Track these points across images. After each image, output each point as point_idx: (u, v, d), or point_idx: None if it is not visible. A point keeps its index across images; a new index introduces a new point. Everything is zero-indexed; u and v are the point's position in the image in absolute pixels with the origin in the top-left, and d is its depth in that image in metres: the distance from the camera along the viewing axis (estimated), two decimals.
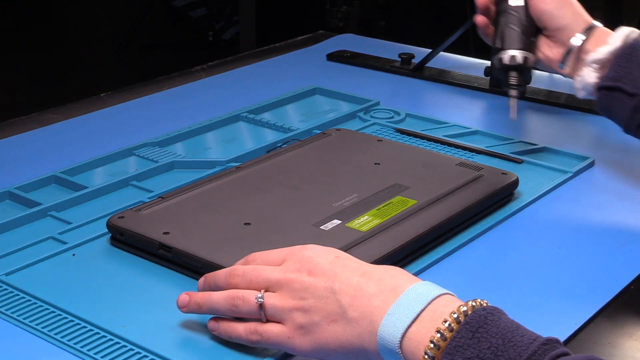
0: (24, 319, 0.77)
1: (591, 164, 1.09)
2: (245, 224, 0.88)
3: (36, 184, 1.01)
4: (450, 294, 0.67)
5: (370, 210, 0.91)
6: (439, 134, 1.16)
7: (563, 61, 1.03)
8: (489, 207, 0.96)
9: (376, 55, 1.46)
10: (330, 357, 0.69)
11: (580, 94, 1.01)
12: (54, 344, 0.74)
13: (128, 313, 0.78)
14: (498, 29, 1.05)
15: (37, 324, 0.77)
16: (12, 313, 0.78)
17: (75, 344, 0.74)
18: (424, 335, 0.64)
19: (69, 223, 0.93)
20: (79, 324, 0.77)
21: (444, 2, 3.13)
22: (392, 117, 1.22)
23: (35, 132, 1.17)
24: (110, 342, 0.74)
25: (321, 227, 0.87)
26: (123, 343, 0.74)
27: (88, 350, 0.73)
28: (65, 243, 0.89)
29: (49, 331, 0.76)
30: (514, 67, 1.04)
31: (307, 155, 1.04)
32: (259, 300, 0.71)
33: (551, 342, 0.62)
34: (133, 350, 0.73)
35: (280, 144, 1.11)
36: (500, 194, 0.97)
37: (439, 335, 0.63)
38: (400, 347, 0.64)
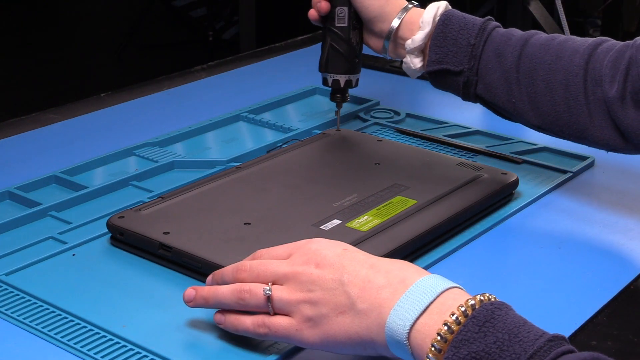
0: (24, 319, 0.77)
1: (591, 164, 1.09)
2: (245, 224, 0.88)
3: (36, 184, 1.01)
4: (459, 287, 0.67)
5: (370, 210, 0.91)
6: (439, 134, 1.16)
7: (384, 51, 1.04)
8: (489, 207, 0.96)
9: (376, 55, 1.46)
10: (339, 349, 0.69)
11: (412, 76, 1.03)
12: (54, 344, 0.74)
13: (128, 313, 0.78)
14: (325, 47, 1.06)
15: (37, 324, 0.77)
16: (12, 313, 0.78)
17: (75, 344, 0.74)
18: (432, 328, 0.64)
19: (69, 223, 0.93)
20: (79, 324, 0.77)
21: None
22: (392, 117, 1.22)
23: (35, 132, 1.17)
24: (110, 342, 0.74)
25: (321, 227, 0.87)
26: (123, 343, 0.74)
27: (88, 350, 0.73)
28: (65, 243, 0.89)
29: (49, 331, 0.76)
30: (338, 89, 1.07)
31: (307, 155, 1.04)
32: (267, 292, 0.71)
33: (557, 338, 0.62)
34: (133, 350, 0.73)
35: (280, 144, 1.11)
36: (500, 194, 0.97)
37: (446, 328, 0.63)
38: (408, 339, 0.65)
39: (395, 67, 1.41)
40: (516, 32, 0.98)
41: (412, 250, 0.87)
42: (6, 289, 0.82)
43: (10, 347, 0.74)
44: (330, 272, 0.69)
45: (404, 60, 1.02)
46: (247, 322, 0.72)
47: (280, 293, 0.70)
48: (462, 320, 0.63)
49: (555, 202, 1.00)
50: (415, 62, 1.01)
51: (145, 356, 0.73)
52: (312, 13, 1.07)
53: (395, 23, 1.01)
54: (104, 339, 0.75)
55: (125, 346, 0.74)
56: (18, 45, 3.80)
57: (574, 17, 2.63)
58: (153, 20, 3.92)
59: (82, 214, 0.95)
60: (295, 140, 1.11)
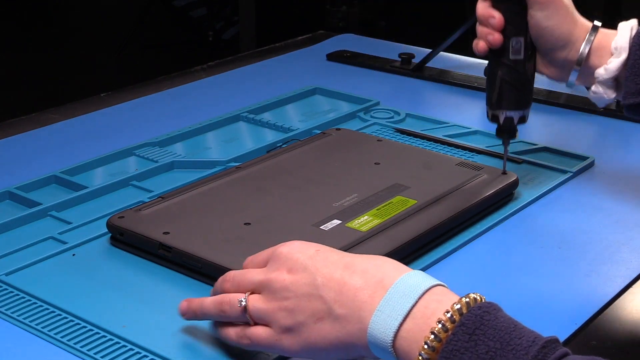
0: (24, 319, 0.77)
1: (591, 164, 1.09)
2: (245, 224, 0.88)
3: (36, 184, 1.01)
4: (442, 285, 0.65)
5: (370, 210, 0.91)
6: (439, 134, 1.16)
7: (569, 83, 0.95)
8: (489, 207, 0.96)
9: (376, 55, 1.46)
10: (322, 356, 0.67)
11: (601, 106, 0.95)
12: (54, 344, 0.74)
13: (128, 313, 0.78)
14: (494, 82, 0.94)
15: (37, 324, 0.77)
16: (12, 313, 0.78)
17: (75, 344, 0.74)
18: (417, 334, 0.62)
19: (69, 223, 0.93)
20: (79, 323, 0.77)
21: (444, 2, 3.13)
22: (392, 117, 1.22)
23: (35, 132, 1.17)
24: (110, 342, 0.74)
25: (321, 227, 0.87)
26: (123, 343, 0.74)
27: (88, 350, 0.73)
28: (65, 243, 0.89)
29: (49, 331, 0.76)
30: (508, 127, 0.96)
31: (307, 155, 1.04)
32: (241, 303, 0.69)
33: (550, 343, 0.60)
34: (133, 350, 0.73)
35: (280, 144, 1.11)
36: (500, 194, 0.97)
37: (433, 336, 0.61)
38: (393, 345, 0.63)
39: (395, 67, 1.41)
40: None
41: (412, 250, 0.87)
42: (6, 289, 0.82)
43: (10, 347, 0.74)
44: (303, 276, 0.67)
45: (593, 89, 0.92)
46: (231, 333, 0.71)
47: (255, 303, 0.69)
48: (449, 327, 0.61)
49: (555, 202, 1.00)
50: (608, 93, 0.91)
51: (145, 356, 0.73)
52: (481, 45, 0.93)
53: (584, 49, 0.91)
54: (104, 339, 0.75)
55: (125, 346, 0.74)
56: (18, 44, 3.80)
57: None
58: (153, 20, 3.92)
59: (82, 214, 0.95)
60: (295, 140, 1.11)
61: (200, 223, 0.88)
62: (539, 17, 0.91)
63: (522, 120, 0.95)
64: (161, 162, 1.06)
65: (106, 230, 0.90)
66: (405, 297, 0.63)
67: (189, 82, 1.36)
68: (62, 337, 0.75)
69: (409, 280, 0.65)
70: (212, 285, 0.81)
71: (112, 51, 3.72)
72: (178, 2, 3.86)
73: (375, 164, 1.02)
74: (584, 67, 0.93)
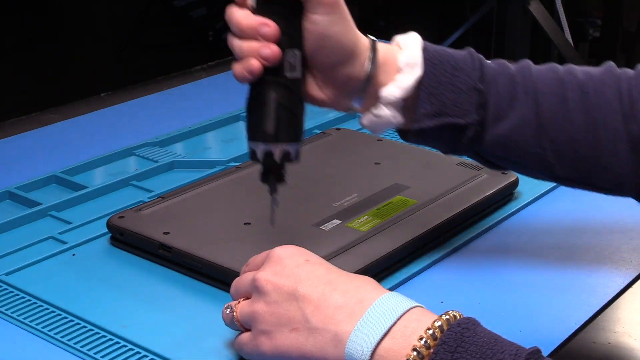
0: (24, 319, 0.77)
1: None
2: (245, 224, 0.88)
3: (36, 184, 1.01)
4: (420, 307, 0.65)
5: (370, 210, 0.91)
6: None
7: (350, 106, 0.78)
8: (489, 207, 0.96)
9: None
10: None
11: (377, 132, 0.79)
12: (54, 344, 0.74)
13: (128, 313, 0.78)
14: (268, 107, 0.74)
15: (37, 324, 0.77)
16: (12, 313, 0.78)
17: (75, 344, 0.74)
18: (396, 353, 0.61)
19: (69, 223, 0.93)
20: (78, 323, 0.77)
21: (444, 2, 3.13)
22: None
23: (35, 132, 1.17)
24: (110, 342, 0.74)
25: (321, 227, 0.87)
26: (123, 343, 0.74)
27: (88, 350, 0.73)
28: (65, 243, 0.89)
29: (49, 331, 0.76)
30: (281, 166, 0.77)
31: (307, 155, 1.04)
32: (228, 310, 0.70)
33: (532, 355, 0.60)
34: (133, 350, 0.73)
35: None
36: (500, 194, 0.97)
37: (415, 353, 0.60)
38: None
39: None
40: (504, 64, 0.79)
41: (412, 250, 0.87)
42: (6, 289, 0.82)
43: (10, 347, 0.74)
44: (286, 283, 0.67)
45: (376, 112, 0.77)
46: (236, 342, 0.71)
47: (241, 308, 0.69)
48: (431, 344, 0.60)
49: (555, 202, 1.00)
50: (397, 117, 0.77)
51: (145, 356, 0.73)
52: (256, 65, 0.72)
53: (368, 66, 0.76)
54: (104, 339, 0.75)
55: (125, 346, 0.74)
56: (17, 44, 3.80)
57: (574, 17, 2.64)
58: (153, 20, 3.92)
59: (82, 214, 0.95)
60: None
61: (200, 223, 0.88)
62: (323, 22, 0.73)
63: (297, 156, 0.77)
64: (161, 162, 1.06)
65: (106, 230, 0.90)
66: (384, 316, 0.63)
67: (189, 82, 1.37)
68: (62, 337, 0.75)
69: (388, 301, 0.64)
70: (212, 285, 0.82)
71: (112, 51, 3.72)
72: (178, 2, 3.85)
73: (375, 163, 1.02)
74: (370, 85, 0.76)
